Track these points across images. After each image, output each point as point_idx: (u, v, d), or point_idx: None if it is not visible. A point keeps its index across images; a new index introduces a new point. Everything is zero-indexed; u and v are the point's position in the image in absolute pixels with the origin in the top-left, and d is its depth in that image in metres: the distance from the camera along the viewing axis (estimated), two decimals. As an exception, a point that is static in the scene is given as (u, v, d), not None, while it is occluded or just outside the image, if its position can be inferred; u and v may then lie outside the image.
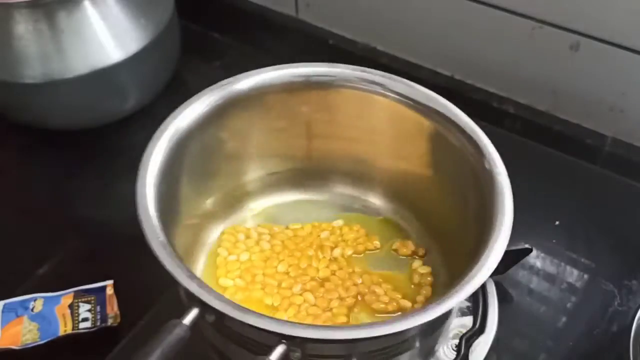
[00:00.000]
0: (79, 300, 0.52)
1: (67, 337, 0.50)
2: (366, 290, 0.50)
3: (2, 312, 0.51)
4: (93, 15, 0.59)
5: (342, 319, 0.48)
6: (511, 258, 0.51)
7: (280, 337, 0.35)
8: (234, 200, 0.55)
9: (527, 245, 0.54)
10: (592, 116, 0.65)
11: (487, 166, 0.44)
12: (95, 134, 0.67)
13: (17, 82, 0.58)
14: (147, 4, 0.63)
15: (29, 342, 0.49)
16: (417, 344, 0.43)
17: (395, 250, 0.53)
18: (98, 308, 0.51)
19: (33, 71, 0.58)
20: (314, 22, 0.78)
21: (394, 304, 0.49)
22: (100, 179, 0.65)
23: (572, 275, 0.56)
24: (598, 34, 0.60)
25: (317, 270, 0.51)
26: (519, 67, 0.67)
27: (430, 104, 0.48)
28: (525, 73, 0.67)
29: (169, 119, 0.46)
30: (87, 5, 0.58)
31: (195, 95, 0.48)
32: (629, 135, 0.65)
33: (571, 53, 0.62)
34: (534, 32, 0.63)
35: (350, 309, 0.49)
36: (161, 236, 0.40)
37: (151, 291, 0.54)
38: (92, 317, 0.51)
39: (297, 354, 0.36)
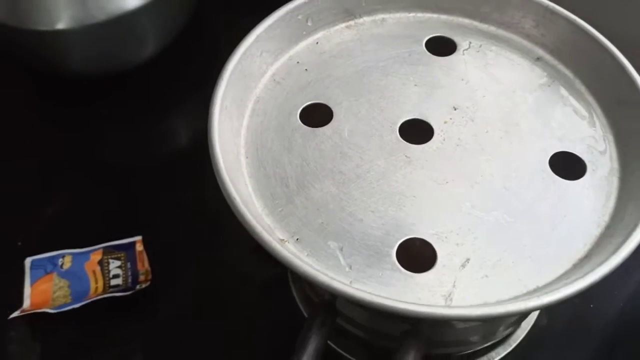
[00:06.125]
0: (109, 256, 0.51)
1: (100, 301, 0.48)
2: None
3: (31, 268, 0.50)
4: (109, -43, 0.56)
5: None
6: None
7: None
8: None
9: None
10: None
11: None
12: (115, 80, 0.64)
13: (35, 29, 0.55)
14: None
15: (61, 301, 0.48)
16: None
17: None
18: (129, 265, 0.50)
19: (50, 18, 0.55)
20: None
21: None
22: (121, 124, 0.63)
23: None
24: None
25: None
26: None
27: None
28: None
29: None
30: (103, -53, 0.55)
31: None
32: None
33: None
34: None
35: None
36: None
37: (183, 247, 0.53)
38: (123, 274, 0.50)
39: None
